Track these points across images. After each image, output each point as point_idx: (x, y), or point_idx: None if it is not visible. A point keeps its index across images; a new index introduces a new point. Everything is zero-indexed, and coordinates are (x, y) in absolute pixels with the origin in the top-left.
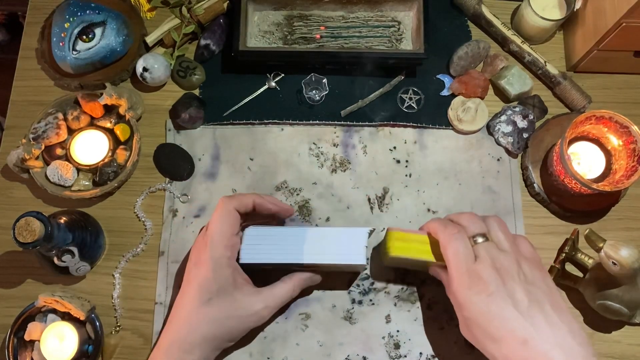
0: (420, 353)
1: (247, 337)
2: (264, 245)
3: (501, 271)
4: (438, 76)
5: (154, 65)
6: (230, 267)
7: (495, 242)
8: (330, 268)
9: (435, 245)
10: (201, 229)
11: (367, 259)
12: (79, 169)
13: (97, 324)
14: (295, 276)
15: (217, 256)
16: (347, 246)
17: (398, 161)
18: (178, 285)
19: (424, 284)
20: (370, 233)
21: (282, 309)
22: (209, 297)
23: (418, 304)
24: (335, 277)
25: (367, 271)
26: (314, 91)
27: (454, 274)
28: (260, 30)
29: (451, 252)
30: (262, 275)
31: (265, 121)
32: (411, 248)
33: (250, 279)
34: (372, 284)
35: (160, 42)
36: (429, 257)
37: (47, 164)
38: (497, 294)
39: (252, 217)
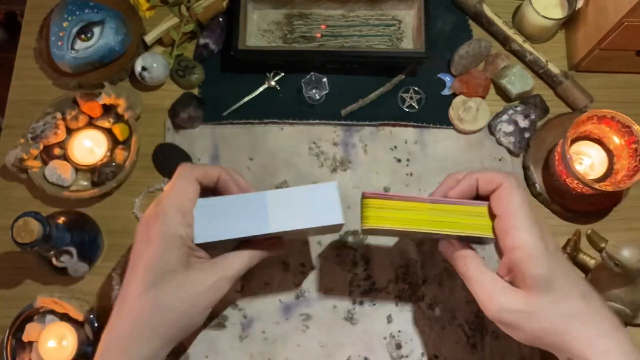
0: (422, 353)
1: (248, 340)
2: (220, 218)
3: None
4: (439, 75)
5: (153, 64)
6: (183, 247)
7: None
8: (303, 234)
9: (425, 211)
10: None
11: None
12: (77, 169)
13: (96, 325)
14: (252, 244)
15: (169, 234)
16: (318, 205)
17: (399, 160)
18: None
19: (425, 283)
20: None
21: (283, 310)
22: (155, 281)
23: (419, 303)
24: (335, 277)
25: (367, 271)
26: (314, 90)
27: (524, 222)
28: (260, 29)
29: (520, 198)
30: (225, 250)
31: (265, 120)
32: (391, 217)
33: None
34: (374, 284)
35: (159, 41)
36: (416, 226)
37: (45, 164)
38: (557, 246)
39: (207, 193)
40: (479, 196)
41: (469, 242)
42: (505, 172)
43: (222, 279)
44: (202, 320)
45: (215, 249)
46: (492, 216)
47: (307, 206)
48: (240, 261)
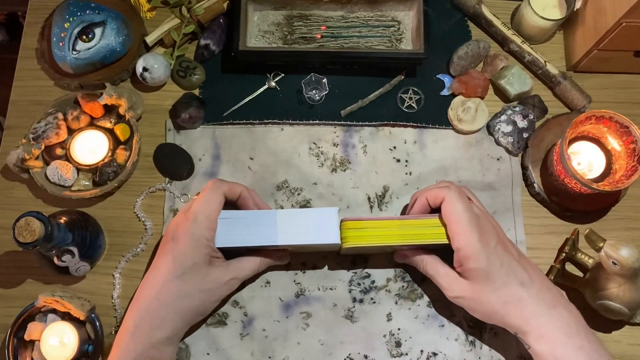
0: (422, 351)
1: (249, 337)
2: (238, 228)
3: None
4: (438, 76)
5: (154, 65)
6: (207, 247)
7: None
8: (304, 248)
9: (395, 227)
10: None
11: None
12: (79, 169)
13: (97, 324)
14: (262, 253)
15: (197, 235)
16: (319, 226)
17: (398, 160)
18: None
19: (424, 281)
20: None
21: (283, 308)
22: (182, 272)
23: (419, 301)
24: (335, 275)
25: (366, 270)
26: (314, 91)
27: (465, 228)
28: (260, 30)
29: (461, 207)
30: (236, 255)
31: (265, 121)
32: (366, 235)
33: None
34: (373, 282)
35: (160, 42)
36: (387, 241)
37: (47, 164)
38: (499, 244)
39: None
40: (434, 210)
41: (435, 249)
42: (447, 185)
43: (234, 279)
44: (212, 309)
45: (230, 253)
46: (444, 225)
47: (310, 226)
48: (251, 265)
